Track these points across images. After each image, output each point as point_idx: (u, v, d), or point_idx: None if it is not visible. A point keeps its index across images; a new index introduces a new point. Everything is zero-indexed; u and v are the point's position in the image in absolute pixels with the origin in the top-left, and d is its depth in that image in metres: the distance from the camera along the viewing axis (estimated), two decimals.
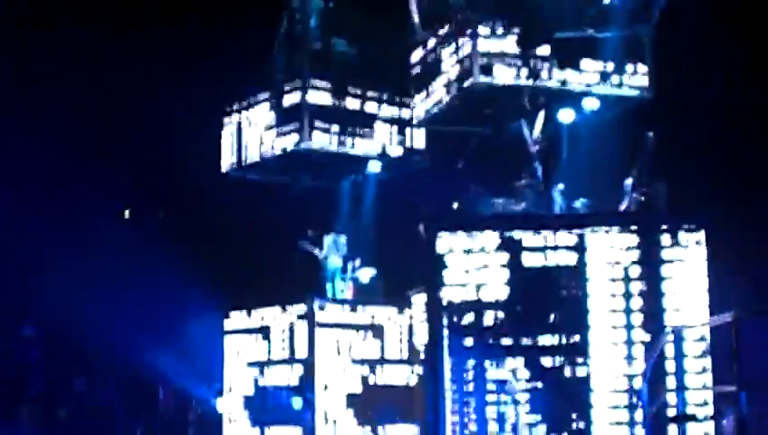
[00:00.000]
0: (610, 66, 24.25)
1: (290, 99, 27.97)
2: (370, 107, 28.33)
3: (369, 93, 28.14)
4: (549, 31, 23.63)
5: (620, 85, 24.43)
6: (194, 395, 27.44)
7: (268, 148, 28.21)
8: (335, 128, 27.77)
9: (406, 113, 27.37)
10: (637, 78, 24.43)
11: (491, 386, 21.52)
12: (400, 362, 26.67)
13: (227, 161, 29.13)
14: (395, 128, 28.56)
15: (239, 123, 29.01)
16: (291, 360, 26.00)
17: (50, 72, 28.64)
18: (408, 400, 25.99)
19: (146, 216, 30.21)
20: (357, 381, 26.24)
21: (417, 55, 26.22)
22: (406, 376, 26.58)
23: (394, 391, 26.55)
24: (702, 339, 21.13)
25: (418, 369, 25.34)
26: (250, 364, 26.88)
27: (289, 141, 27.84)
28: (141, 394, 28.16)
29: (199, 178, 29.18)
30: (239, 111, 28.87)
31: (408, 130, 28.38)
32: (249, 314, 26.94)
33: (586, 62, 24.12)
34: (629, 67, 24.32)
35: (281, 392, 26.05)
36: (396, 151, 28.26)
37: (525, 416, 21.38)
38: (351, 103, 28.06)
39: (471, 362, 21.58)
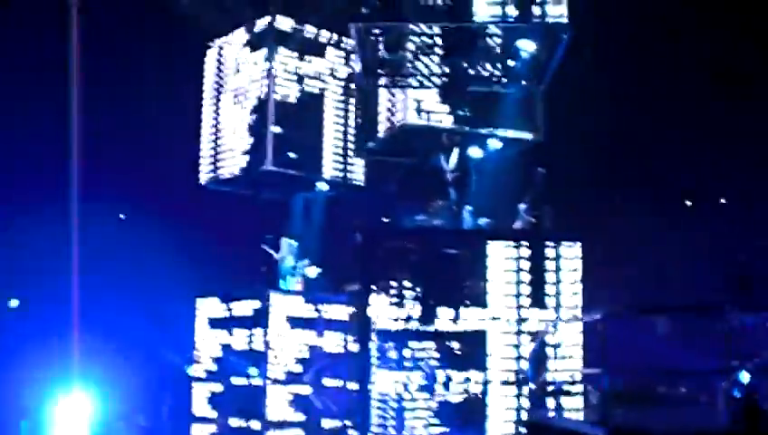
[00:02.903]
0: (510, 116, 25.22)
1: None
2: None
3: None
4: (465, 85, 24.25)
5: (518, 128, 25.42)
6: (169, 363, 28.25)
7: (238, 157, 29.30)
8: (291, 155, 28.85)
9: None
10: (531, 123, 25.48)
11: (408, 363, 22.15)
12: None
13: (205, 176, 30.07)
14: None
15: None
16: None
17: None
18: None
19: (137, 218, 30.50)
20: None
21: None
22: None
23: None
24: (576, 331, 22.01)
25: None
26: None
27: (252, 161, 29.01)
28: (130, 358, 28.46)
29: (180, 187, 30.07)
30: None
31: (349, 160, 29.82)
32: (221, 300, 27.85)
33: (492, 112, 25.17)
34: (525, 114, 25.30)
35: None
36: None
37: (437, 388, 22.02)
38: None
39: (392, 344, 22.26)
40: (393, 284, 22.43)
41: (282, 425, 26.31)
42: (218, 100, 30.23)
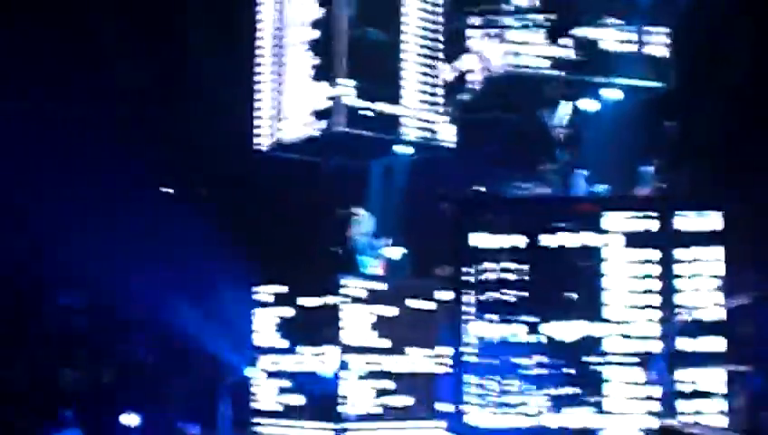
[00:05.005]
0: (633, 56, 23.57)
1: None
2: None
3: None
4: (575, 22, 23.08)
5: (642, 76, 23.68)
6: (226, 363, 26.40)
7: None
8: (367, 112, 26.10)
9: None
10: (658, 69, 23.69)
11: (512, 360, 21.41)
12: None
13: (265, 140, 27.60)
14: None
15: None
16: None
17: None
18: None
19: (186, 194, 28.85)
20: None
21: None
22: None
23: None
24: (717, 320, 20.80)
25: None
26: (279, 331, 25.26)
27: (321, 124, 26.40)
28: (179, 358, 27.49)
29: (236, 155, 27.71)
30: None
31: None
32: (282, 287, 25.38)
33: (610, 53, 23.52)
34: (651, 58, 23.62)
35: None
36: None
37: (544, 392, 21.31)
38: None
39: (495, 339, 21.54)
40: (491, 263, 21.77)
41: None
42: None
